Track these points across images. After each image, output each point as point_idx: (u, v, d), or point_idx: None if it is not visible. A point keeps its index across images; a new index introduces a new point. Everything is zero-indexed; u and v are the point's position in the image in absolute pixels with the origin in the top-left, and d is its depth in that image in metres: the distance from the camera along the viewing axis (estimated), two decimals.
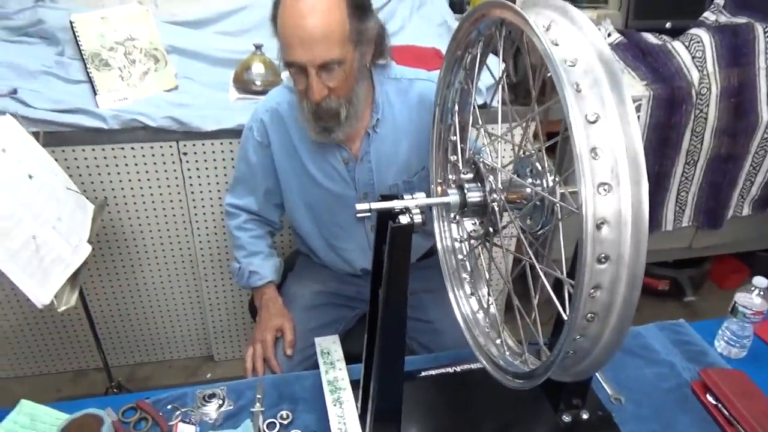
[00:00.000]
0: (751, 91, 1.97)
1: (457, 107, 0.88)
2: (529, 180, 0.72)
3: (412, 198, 0.74)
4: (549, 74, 1.59)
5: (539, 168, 0.71)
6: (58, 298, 1.18)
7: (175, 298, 2.01)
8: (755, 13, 2.12)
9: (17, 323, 1.92)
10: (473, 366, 1.13)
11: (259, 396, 1.10)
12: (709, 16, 2.21)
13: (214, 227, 1.86)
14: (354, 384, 1.09)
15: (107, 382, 1.62)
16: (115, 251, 1.84)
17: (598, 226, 0.52)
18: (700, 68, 1.93)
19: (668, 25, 2.21)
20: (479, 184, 0.75)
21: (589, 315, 0.56)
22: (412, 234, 0.73)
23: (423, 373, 1.11)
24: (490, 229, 0.74)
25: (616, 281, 0.55)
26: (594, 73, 0.54)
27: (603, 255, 0.53)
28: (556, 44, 0.55)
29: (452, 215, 0.94)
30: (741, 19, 2.10)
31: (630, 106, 0.53)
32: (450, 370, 1.12)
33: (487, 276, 0.83)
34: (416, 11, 2.10)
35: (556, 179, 0.65)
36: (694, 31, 1.99)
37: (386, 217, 0.75)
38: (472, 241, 0.88)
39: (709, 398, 1.09)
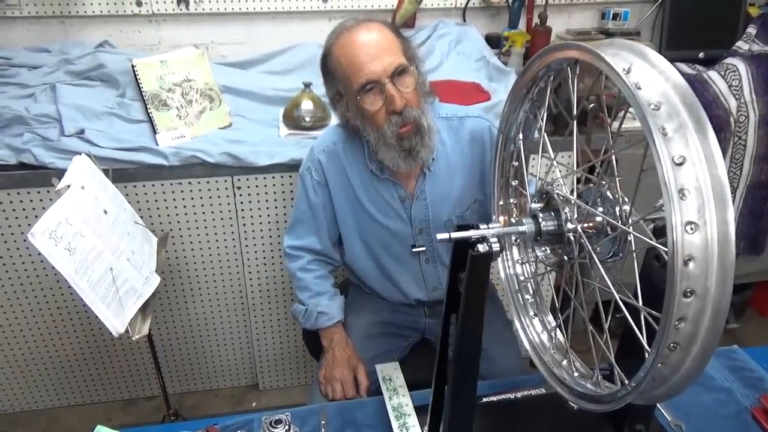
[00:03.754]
0: None
1: (521, 135, 0.93)
2: (600, 209, 0.76)
3: (488, 227, 0.78)
4: (591, 105, 1.62)
5: (610, 197, 0.75)
6: (131, 327, 1.24)
7: (224, 327, 2.06)
8: None
9: (72, 353, 1.99)
10: (533, 392, 1.15)
11: (323, 422, 1.13)
12: (741, 45, 2.25)
13: (264, 258, 1.92)
14: (417, 409, 1.12)
15: (164, 410, 1.66)
16: (169, 282, 1.91)
17: (686, 263, 0.55)
18: (737, 96, 1.96)
19: (701, 55, 2.25)
20: (552, 214, 0.79)
21: (671, 345, 0.59)
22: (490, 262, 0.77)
23: (484, 400, 1.14)
24: (565, 258, 0.77)
25: (701, 313, 0.57)
26: (679, 117, 0.58)
27: (689, 289, 0.56)
28: (639, 88, 0.59)
29: (517, 243, 0.98)
30: None
31: (716, 147, 0.56)
32: (511, 396, 1.14)
33: (557, 303, 0.86)
34: (454, 48, 2.17)
35: (632, 210, 0.69)
36: (729, 60, 2.03)
37: (463, 246, 0.79)
38: (539, 268, 0.92)
39: None
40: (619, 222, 0.71)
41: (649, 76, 0.60)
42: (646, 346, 0.65)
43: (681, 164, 0.56)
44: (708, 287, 0.57)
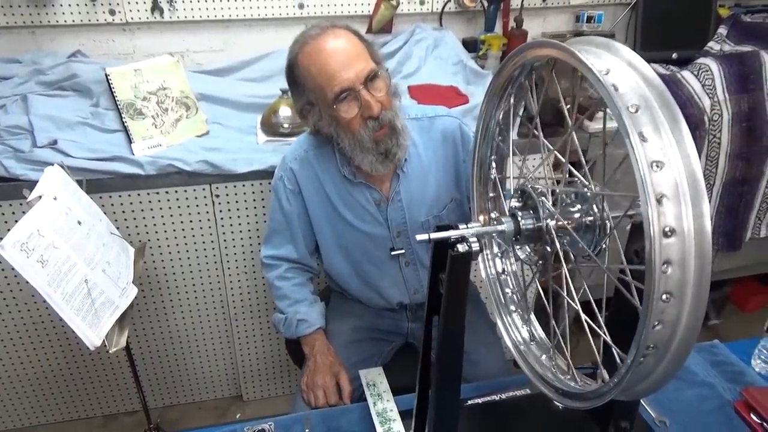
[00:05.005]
0: (761, 115, 2.03)
1: (494, 157, 0.94)
2: (578, 206, 0.76)
3: (467, 227, 0.78)
4: (567, 106, 1.64)
5: (585, 192, 0.75)
6: (108, 340, 1.21)
7: (205, 338, 2.03)
8: (758, 42, 2.20)
9: (49, 369, 1.94)
10: (518, 393, 1.15)
11: (307, 430, 1.12)
12: (713, 45, 2.29)
13: (245, 267, 1.89)
14: (402, 414, 1.11)
15: (146, 424, 1.63)
16: (148, 293, 1.88)
17: (659, 200, 0.56)
18: (710, 95, 1.99)
19: (674, 55, 2.29)
20: (531, 212, 0.79)
21: (664, 295, 0.58)
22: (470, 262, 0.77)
23: (469, 402, 1.13)
24: (547, 248, 0.77)
25: (686, 255, 0.57)
26: (641, 91, 0.59)
27: (668, 228, 0.56)
28: (604, 72, 0.60)
29: (499, 244, 0.98)
30: (745, 48, 2.17)
31: (681, 119, 0.58)
32: (495, 397, 1.14)
33: (547, 305, 0.85)
34: (431, 52, 2.18)
35: (604, 188, 0.69)
36: (701, 60, 2.06)
37: (443, 246, 0.78)
38: (522, 268, 0.92)
39: (754, 418, 1.10)
40: (599, 222, 0.71)
41: (607, 58, 0.63)
42: (638, 305, 0.63)
43: (636, 112, 0.58)
44: (686, 227, 0.57)
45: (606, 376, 0.74)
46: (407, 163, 1.33)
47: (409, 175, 1.34)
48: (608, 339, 0.68)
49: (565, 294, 0.74)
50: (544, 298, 0.83)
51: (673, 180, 0.57)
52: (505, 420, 1.11)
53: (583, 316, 0.70)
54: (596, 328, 0.71)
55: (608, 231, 0.69)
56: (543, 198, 0.76)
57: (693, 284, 0.58)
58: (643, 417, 1.09)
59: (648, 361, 0.63)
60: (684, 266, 0.57)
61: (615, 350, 0.67)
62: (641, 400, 1.11)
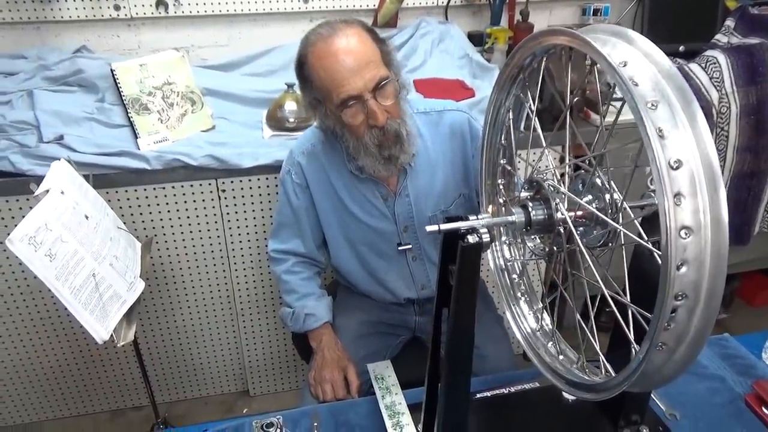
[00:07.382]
0: None
1: (505, 129, 0.92)
2: (590, 196, 0.75)
3: (478, 218, 0.77)
4: (576, 99, 1.63)
5: (598, 183, 0.74)
6: (116, 334, 1.21)
7: (212, 333, 2.03)
8: (765, 34, 2.17)
9: (57, 364, 1.95)
10: (527, 386, 1.14)
11: (315, 424, 1.11)
12: (720, 38, 2.27)
13: (251, 261, 1.89)
14: (410, 408, 1.10)
15: (153, 419, 1.63)
16: (154, 288, 1.88)
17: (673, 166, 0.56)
18: (718, 88, 1.97)
19: (681, 48, 2.27)
20: (542, 203, 0.78)
21: (683, 231, 0.57)
22: (480, 253, 0.76)
23: (478, 395, 1.12)
24: (559, 232, 0.76)
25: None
26: (660, 88, 0.59)
27: (677, 191, 0.56)
28: (623, 64, 0.59)
29: (507, 234, 0.97)
30: (753, 40, 2.15)
31: (697, 109, 0.58)
32: (504, 390, 1.13)
33: (566, 295, 0.84)
34: (437, 46, 2.17)
35: (622, 198, 0.68)
36: (709, 53, 2.04)
37: (453, 237, 0.77)
38: (529, 258, 0.91)
39: (765, 411, 1.09)
40: (610, 212, 0.70)
41: (631, 53, 0.61)
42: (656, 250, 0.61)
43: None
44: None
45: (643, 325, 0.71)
46: (415, 157, 1.31)
47: (417, 170, 1.33)
48: (630, 305, 0.66)
49: (583, 274, 0.73)
50: (558, 283, 0.82)
51: (690, 176, 0.57)
52: (514, 413, 1.10)
53: (606, 291, 0.69)
54: (617, 296, 0.69)
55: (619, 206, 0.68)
56: (550, 182, 0.75)
57: (710, 211, 0.57)
58: (654, 410, 1.08)
59: (675, 324, 0.61)
60: (696, 195, 0.57)
61: (637, 311, 0.65)
62: (652, 394, 1.10)
